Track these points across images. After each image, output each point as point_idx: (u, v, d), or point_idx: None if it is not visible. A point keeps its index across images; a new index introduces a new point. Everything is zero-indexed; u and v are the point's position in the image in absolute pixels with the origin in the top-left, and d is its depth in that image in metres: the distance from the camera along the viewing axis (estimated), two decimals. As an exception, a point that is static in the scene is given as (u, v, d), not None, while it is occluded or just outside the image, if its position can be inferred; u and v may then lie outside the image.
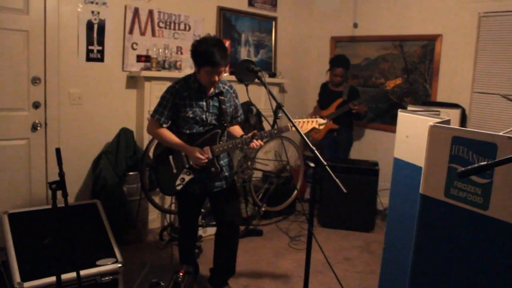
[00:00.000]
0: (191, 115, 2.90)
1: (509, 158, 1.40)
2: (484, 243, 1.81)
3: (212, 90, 2.95)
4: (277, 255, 4.01)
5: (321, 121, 2.93)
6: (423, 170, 2.05)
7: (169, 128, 2.96)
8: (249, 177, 4.51)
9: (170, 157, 2.96)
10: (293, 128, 2.70)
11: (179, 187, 2.95)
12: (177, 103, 2.89)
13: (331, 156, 5.09)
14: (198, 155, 2.84)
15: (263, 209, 4.62)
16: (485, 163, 1.42)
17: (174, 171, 2.96)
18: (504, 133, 2.03)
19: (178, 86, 2.92)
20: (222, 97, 2.98)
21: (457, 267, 1.93)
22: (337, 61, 5.16)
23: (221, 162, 3.01)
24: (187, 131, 2.93)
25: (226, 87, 3.04)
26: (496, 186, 1.76)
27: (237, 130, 3.12)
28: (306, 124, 2.90)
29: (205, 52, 2.73)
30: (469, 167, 1.43)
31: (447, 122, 2.20)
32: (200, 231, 4.05)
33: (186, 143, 2.88)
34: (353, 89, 5.19)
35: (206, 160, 2.86)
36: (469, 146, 1.86)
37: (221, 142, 2.95)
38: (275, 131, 2.84)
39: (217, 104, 2.97)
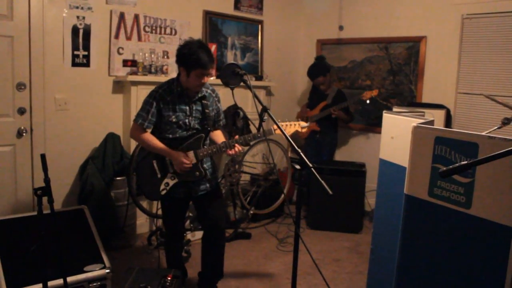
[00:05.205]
0: (174, 120, 2.90)
1: (490, 157, 1.42)
2: (468, 241, 1.84)
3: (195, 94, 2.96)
4: (266, 257, 4.02)
5: (304, 124, 2.98)
6: (407, 171, 2.08)
7: (152, 133, 2.97)
8: (237, 180, 4.51)
9: (154, 162, 2.96)
10: (277, 131, 2.73)
11: (163, 192, 2.95)
12: (160, 107, 2.89)
13: (315, 158, 5.11)
14: (183, 159, 2.85)
15: (251, 212, 4.62)
16: (466, 162, 1.44)
17: (158, 176, 2.96)
18: (486, 133, 2.06)
19: (161, 90, 2.92)
20: (205, 101, 2.98)
21: (441, 264, 1.95)
22: (313, 72, 5.19)
23: (205, 165, 3.01)
24: (170, 136, 2.93)
25: (209, 91, 3.04)
26: (478, 185, 1.79)
27: (219, 134, 3.13)
28: (289, 128, 2.95)
29: (193, 55, 2.75)
30: (451, 166, 1.45)
31: (431, 122, 2.23)
32: (189, 235, 4.04)
33: (169, 148, 2.89)
34: (340, 93, 5.21)
35: (191, 165, 2.88)
36: (452, 146, 1.89)
37: (204, 146, 2.96)
38: (259, 135, 2.86)
39: (200, 108, 2.98)
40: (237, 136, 2.93)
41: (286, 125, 2.96)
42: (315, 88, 5.34)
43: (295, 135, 5.24)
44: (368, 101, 4.94)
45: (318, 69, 5.18)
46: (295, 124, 2.96)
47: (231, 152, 2.90)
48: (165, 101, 2.90)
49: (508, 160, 1.57)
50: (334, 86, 5.31)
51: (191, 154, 2.90)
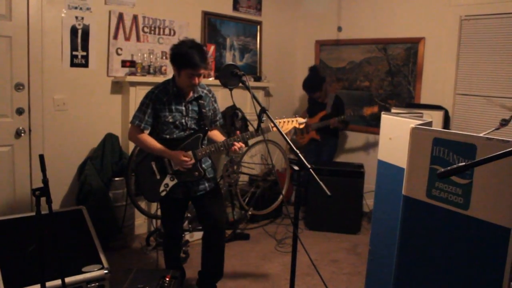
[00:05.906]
0: (171, 120, 2.91)
1: (487, 158, 1.42)
2: (465, 242, 1.85)
3: (191, 94, 2.96)
4: (264, 258, 4.02)
5: (301, 120, 2.97)
6: (406, 172, 2.08)
7: (149, 134, 2.98)
8: (235, 181, 4.51)
9: (153, 163, 2.96)
10: (274, 129, 2.72)
11: (163, 193, 2.95)
12: (156, 108, 2.90)
13: (314, 159, 5.10)
14: (183, 158, 2.85)
15: (250, 212, 4.62)
16: (464, 163, 1.45)
17: (158, 177, 2.96)
18: (484, 134, 2.06)
19: (157, 91, 2.93)
20: (202, 101, 2.99)
21: (439, 266, 1.96)
22: (309, 88, 5.17)
23: (203, 165, 3.02)
24: (168, 136, 2.94)
25: (205, 91, 3.05)
26: (476, 187, 1.79)
27: (216, 134, 3.14)
28: (286, 124, 2.94)
29: (185, 54, 2.76)
30: (448, 168, 1.45)
31: (429, 124, 2.23)
32: (187, 236, 4.04)
33: (167, 148, 2.89)
34: (338, 102, 5.17)
35: (192, 162, 2.88)
36: (450, 147, 1.89)
37: (203, 146, 2.96)
38: (256, 133, 2.87)
39: (196, 108, 2.99)
40: (238, 132, 2.94)
41: (284, 121, 2.94)
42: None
43: (294, 142, 5.26)
44: (367, 117, 4.94)
45: (313, 84, 5.14)
46: (292, 121, 2.95)
47: (235, 147, 2.91)
48: (161, 102, 2.90)
49: (506, 162, 1.57)
50: (331, 93, 5.25)
51: (189, 154, 2.90)
